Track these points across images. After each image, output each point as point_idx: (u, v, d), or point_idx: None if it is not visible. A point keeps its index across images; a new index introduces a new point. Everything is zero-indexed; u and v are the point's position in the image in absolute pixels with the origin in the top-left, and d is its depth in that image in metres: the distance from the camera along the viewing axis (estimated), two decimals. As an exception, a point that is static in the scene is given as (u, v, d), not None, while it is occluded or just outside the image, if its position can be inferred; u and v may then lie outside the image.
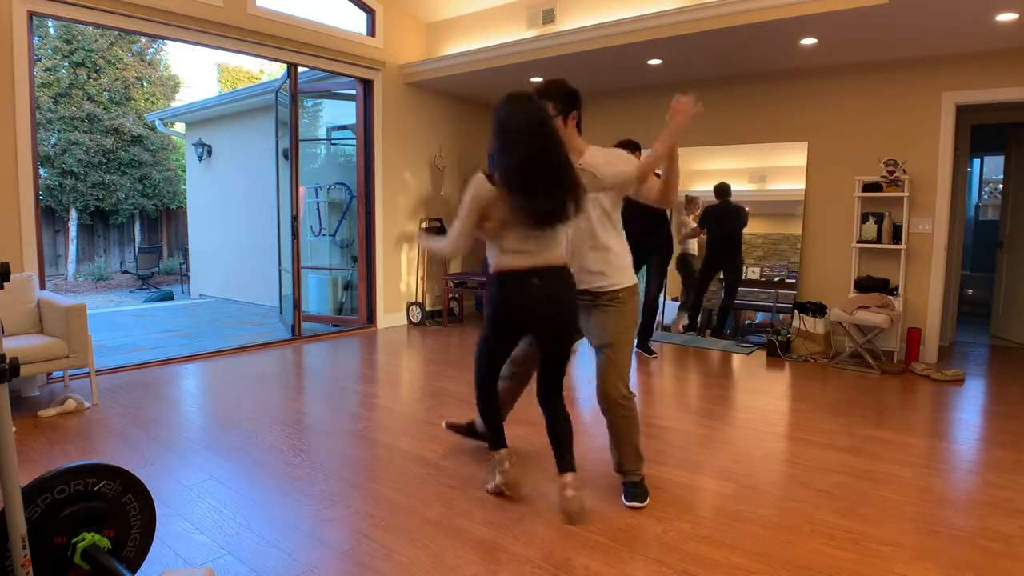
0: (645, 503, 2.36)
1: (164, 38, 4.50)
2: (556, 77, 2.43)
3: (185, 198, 10.49)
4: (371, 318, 6.13)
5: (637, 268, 4.98)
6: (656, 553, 2.02)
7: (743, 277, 5.52)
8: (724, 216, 5.45)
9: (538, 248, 2.20)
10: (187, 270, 10.61)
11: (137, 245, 12.95)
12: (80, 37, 11.73)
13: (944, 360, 4.88)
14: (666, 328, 5.89)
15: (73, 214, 11.84)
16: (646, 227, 4.60)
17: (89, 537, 1.61)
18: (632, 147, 4.57)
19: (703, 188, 5.59)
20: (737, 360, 4.88)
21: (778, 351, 4.97)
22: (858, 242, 4.97)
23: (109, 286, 11.59)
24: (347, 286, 6.73)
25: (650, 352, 4.94)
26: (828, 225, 5.22)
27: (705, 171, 4.65)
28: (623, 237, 2.45)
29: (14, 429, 1.84)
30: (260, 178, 7.71)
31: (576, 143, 2.37)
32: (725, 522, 2.23)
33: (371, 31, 5.92)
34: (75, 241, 12.01)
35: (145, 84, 13.27)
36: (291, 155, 5.42)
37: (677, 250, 5.59)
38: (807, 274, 5.34)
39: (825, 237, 5.24)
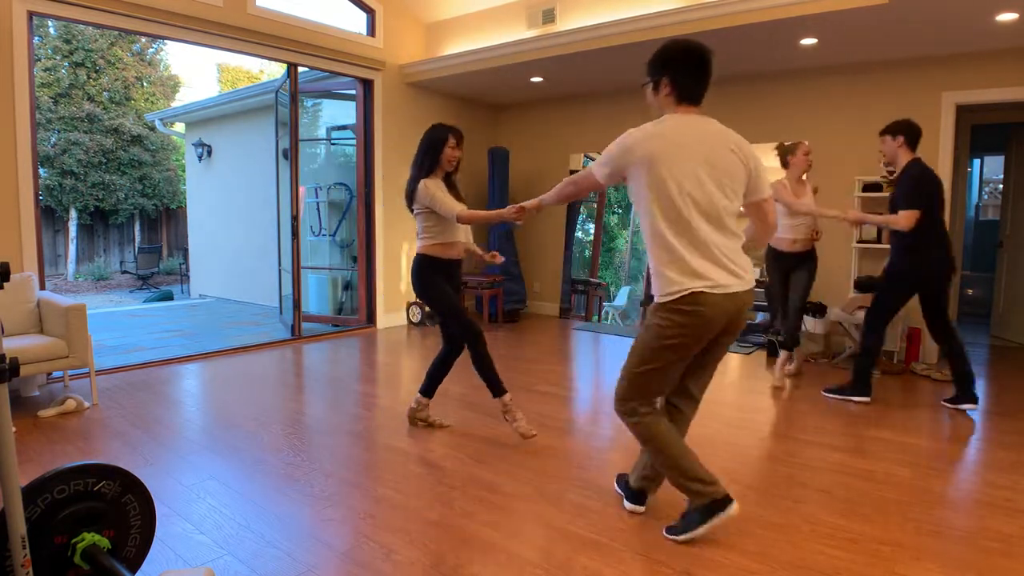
0: (631, 507, 2.33)
1: (164, 38, 4.50)
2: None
3: (185, 198, 10.49)
4: (371, 318, 6.13)
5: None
6: (656, 553, 2.02)
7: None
8: None
9: None
10: (187, 270, 10.61)
11: (137, 245, 12.95)
12: (80, 37, 11.73)
13: (944, 360, 4.86)
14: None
15: (73, 214, 11.84)
16: None
17: (89, 537, 1.61)
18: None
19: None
20: (737, 360, 4.88)
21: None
22: (858, 242, 4.96)
23: (109, 286, 11.59)
24: (347, 286, 6.73)
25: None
26: (828, 225, 5.21)
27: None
28: (650, 243, 2.10)
29: (14, 429, 1.84)
30: (260, 178, 7.71)
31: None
32: (725, 522, 2.23)
33: (371, 31, 5.91)
34: (75, 241, 12.01)
35: (145, 84, 13.27)
36: (291, 155, 5.42)
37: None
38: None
39: (825, 237, 5.22)
